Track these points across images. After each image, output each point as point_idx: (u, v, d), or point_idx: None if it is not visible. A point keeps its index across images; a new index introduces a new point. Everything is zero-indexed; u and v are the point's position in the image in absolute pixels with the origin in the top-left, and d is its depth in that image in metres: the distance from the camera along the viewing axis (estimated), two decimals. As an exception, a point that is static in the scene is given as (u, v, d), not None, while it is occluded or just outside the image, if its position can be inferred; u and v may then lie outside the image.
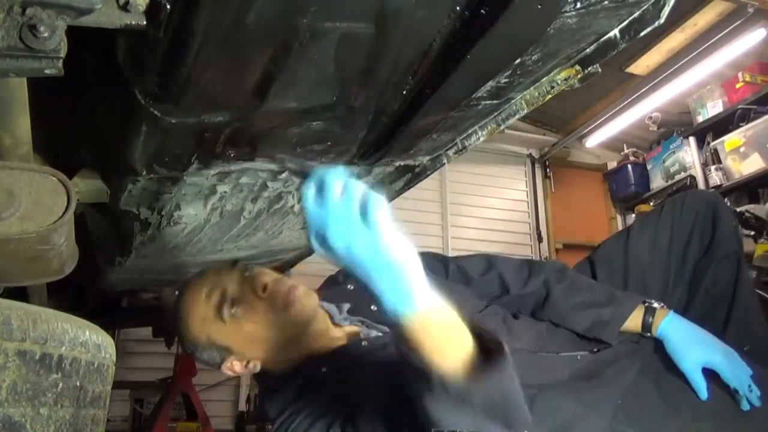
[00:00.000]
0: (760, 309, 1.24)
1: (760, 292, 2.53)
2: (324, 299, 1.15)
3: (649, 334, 1.12)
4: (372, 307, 1.12)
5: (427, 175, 1.39)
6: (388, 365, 1.02)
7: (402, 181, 1.45)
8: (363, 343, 1.08)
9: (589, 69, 1.03)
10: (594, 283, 1.23)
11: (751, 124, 3.93)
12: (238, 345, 1.06)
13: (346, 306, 1.15)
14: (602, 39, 0.95)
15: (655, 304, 1.13)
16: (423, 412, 0.73)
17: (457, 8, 0.71)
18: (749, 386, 1.03)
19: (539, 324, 1.17)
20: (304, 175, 0.76)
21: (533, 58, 0.89)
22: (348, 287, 1.19)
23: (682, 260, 1.26)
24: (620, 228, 5.25)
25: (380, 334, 1.11)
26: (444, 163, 1.34)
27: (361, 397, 0.97)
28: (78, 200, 0.98)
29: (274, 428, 1.03)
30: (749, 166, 3.97)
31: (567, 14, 0.77)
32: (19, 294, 1.37)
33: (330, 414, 0.95)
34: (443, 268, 1.27)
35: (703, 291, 1.23)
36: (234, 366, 1.08)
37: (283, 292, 1.04)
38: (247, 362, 1.08)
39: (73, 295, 1.98)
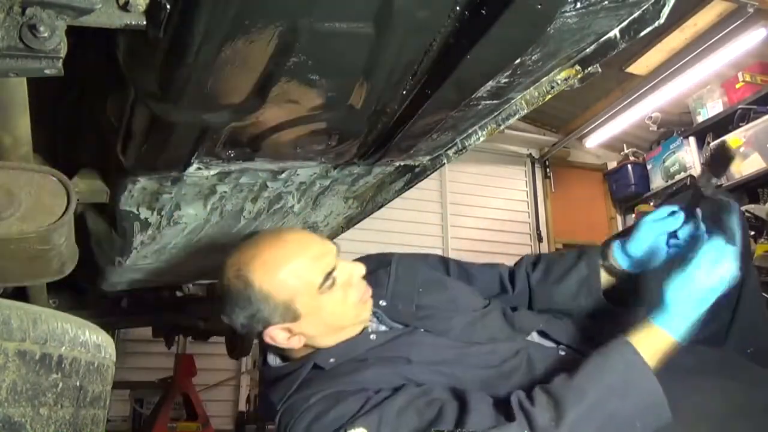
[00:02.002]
0: (765, 312, 1.24)
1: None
2: None
3: (620, 266, 1.16)
4: (381, 302, 1.12)
5: (427, 175, 1.39)
6: (395, 360, 1.03)
7: (402, 181, 1.46)
8: (372, 337, 1.07)
9: (589, 69, 1.03)
10: (565, 253, 1.27)
11: (751, 124, 3.93)
12: (308, 316, 1.01)
13: None
14: (602, 39, 0.95)
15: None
16: None
17: (457, 8, 0.71)
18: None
19: (542, 315, 1.18)
20: None
21: (533, 58, 0.89)
22: None
23: None
24: (620, 228, 5.25)
25: (388, 329, 1.10)
26: (444, 163, 1.34)
27: (371, 391, 0.97)
28: (78, 200, 0.98)
29: (278, 414, 1.01)
30: (749, 166, 3.96)
31: (567, 14, 0.77)
32: (19, 294, 1.37)
33: (339, 406, 0.94)
34: (444, 266, 1.28)
35: None
36: (277, 336, 1.02)
37: (365, 290, 1.07)
38: (292, 335, 1.03)
39: (73, 294, 1.98)
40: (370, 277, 1.14)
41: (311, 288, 1.00)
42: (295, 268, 1.00)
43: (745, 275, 1.20)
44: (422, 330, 1.07)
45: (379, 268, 1.19)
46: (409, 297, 1.12)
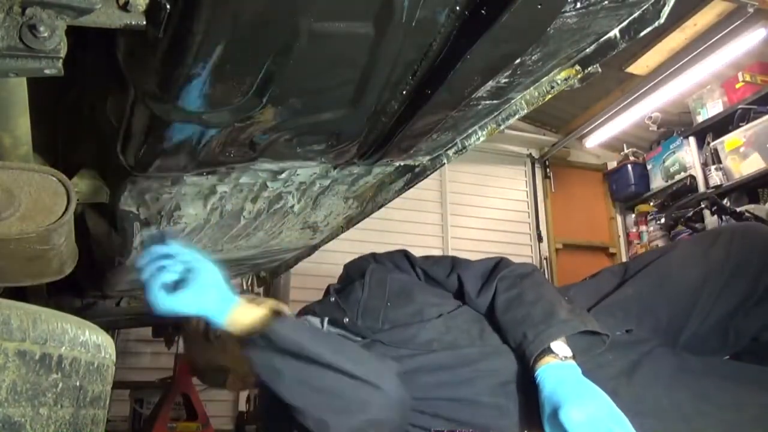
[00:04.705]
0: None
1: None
2: (314, 311, 1.22)
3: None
4: (345, 319, 1.15)
5: (427, 175, 1.39)
6: None
7: (402, 181, 1.45)
8: None
9: (589, 69, 1.03)
10: (542, 298, 1.07)
11: (751, 124, 3.93)
12: (230, 363, 1.16)
13: (326, 319, 1.20)
14: (602, 39, 0.95)
15: (564, 351, 0.97)
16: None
17: (457, 8, 0.71)
18: None
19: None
20: None
21: (533, 58, 0.89)
22: (330, 299, 1.23)
23: (721, 294, 1.11)
24: (620, 228, 5.27)
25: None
26: (444, 163, 1.34)
27: None
28: (78, 200, 0.98)
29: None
30: (749, 166, 3.96)
31: (567, 14, 0.77)
32: (19, 294, 1.37)
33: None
34: (410, 263, 1.27)
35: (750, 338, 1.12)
36: (234, 384, 1.21)
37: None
38: (244, 377, 1.18)
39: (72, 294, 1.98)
40: (348, 287, 1.22)
41: (207, 346, 1.22)
42: (194, 343, 1.27)
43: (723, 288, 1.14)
44: (380, 342, 1.09)
45: (356, 279, 1.24)
46: (377, 313, 1.15)
